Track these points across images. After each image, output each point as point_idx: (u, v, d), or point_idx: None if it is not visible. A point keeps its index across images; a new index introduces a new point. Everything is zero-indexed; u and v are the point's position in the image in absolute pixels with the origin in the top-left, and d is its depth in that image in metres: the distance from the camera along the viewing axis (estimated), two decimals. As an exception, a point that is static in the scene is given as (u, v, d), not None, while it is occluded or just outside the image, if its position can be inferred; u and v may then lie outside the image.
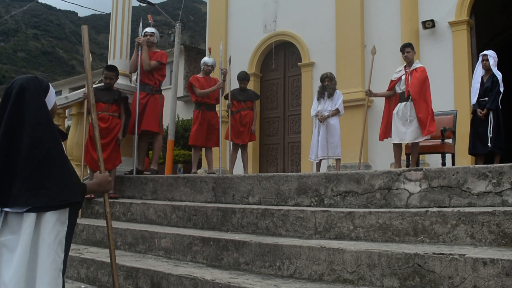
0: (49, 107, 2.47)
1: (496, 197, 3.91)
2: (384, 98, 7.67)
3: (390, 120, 7.31)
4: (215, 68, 8.58)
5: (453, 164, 7.78)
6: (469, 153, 7.91)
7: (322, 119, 7.94)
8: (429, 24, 10.19)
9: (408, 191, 4.35)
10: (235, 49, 13.18)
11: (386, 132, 7.39)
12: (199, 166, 11.84)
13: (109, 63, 8.22)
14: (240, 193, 5.62)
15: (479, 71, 7.77)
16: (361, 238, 4.04)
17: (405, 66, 7.29)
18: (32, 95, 2.37)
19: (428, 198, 4.22)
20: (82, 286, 4.77)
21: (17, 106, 2.32)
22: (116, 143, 6.97)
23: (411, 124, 6.94)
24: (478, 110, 7.56)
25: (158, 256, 4.94)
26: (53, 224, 2.34)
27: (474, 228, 3.52)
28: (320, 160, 8.09)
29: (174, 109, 15.72)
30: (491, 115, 7.41)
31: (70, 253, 2.62)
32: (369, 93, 7.76)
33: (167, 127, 15.71)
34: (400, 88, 7.22)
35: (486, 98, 7.48)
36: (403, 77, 7.17)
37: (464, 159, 8.84)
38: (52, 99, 2.53)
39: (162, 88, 8.00)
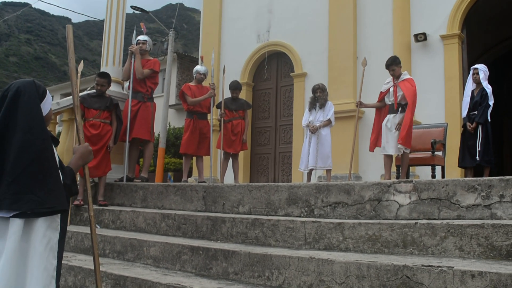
0: (45, 112, 2.45)
1: (485, 210, 3.93)
2: (375, 109, 7.72)
3: (380, 131, 7.36)
4: (207, 77, 8.59)
5: (443, 176, 7.81)
6: (458, 166, 7.95)
7: (314, 130, 7.95)
8: (421, 37, 10.28)
9: (397, 202, 4.36)
10: (228, 58, 13.21)
11: (376, 143, 7.44)
12: (189, 174, 11.82)
13: (102, 69, 8.21)
14: (230, 203, 5.61)
15: (469, 85, 7.84)
16: (350, 249, 4.04)
17: (393, 78, 7.34)
18: (27, 99, 2.35)
19: (417, 210, 4.24)
20: (69, 294, 4.73)
21: (11, 109, 2.30)
22: (106, 150, 6.95)
23: (395, 136, 7.00)
24: (468, 123, 7.62)
25: (146, 264, 4.91)
26: (45, 230, 2.32)
27: (463, 240, 3.54)
28: (311, 170, 8.09)
29: (165, 117, 15.69)
30: (480, 129, 7.47)
31: (58, 261, 2.59)
32: (359, 104, 7.81)
33: (159, 134, 15.67)
34: (389, 100, 7.28)
35: (476, 112, 7.54)
36: (391, 89, 7.23)
37: (454, 172, 8.88)
38: (48, 105, 2.51)
39: (154, 95, 8.00)
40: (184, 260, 4.59)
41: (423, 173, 9.39)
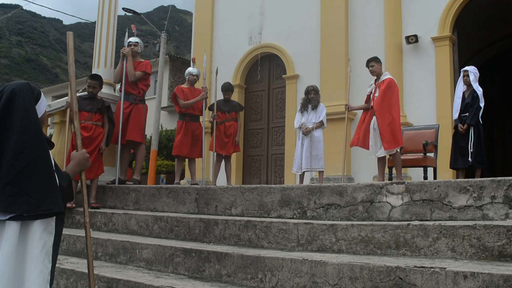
0: (39, 114, 2.43)
1: (476, 211, 3.95)
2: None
3: (363, 128, 7.27)
4: (200, 79, 8.59)
5: (435, 178, 7.85)
6: (450, 167, 7.99)
7: (306, 132, 7.96)
8: (412, 39, 10.33)
9: (390, 204, 4.37)
10: (220, 60, 13.21)
11: (357, 140, 7.35)
12: (182, 176, 11.80)
13: (94, 72, 8.19)
14: (223, 205, 5.61)
15: (460, 87, 7.89)
16: (343, 250, 4.05)
17: (375, 80, 7.32)
18: (22, 100, 2.33)
19: (409, 212, 4.25)
20: (61, 297, 4.70)
21: (6, 111, 2.28)
22: (98, 152, 6.93)
23: (379, 137, 6.96)
24: (459, 125, 7.66)
25: (139, 267, 4.89)
26: (40, 234, 2.30)
27: (455, 241, 3.55)
28: (304, 172, 8.10)
29: (158, 119, 15.68)
30: (471, 130, 7.51)
31: (50, 264, 2.58)
32: (348, 108, 7.83)
33: (151, 136, 15.64)
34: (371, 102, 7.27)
35: (467, 114, 7.58)
36: (373, 91, 7.22)
37: (446, 173, 8.93)
38: (42, 107, 2.49)
39: (146, 98, 7.98)
40: (176, 262, 4.57)
41: (415, 174, 9.43)
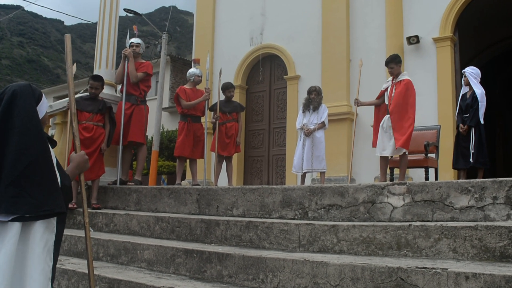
0: (40, 115, 2.43)
1: (478, 212, 3.95)
2: (373, 108, 7.65)
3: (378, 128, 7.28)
4: (202, 80, 8.59)
5: (436, 178, 7.84)
6: (453, 168, 7.98)
7: (308, 133, 7.95)
8: (414, 40, 10.33)
9: (391, 205, 4.37)
10: (222, 61, 13.21)
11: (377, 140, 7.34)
12: (183, 177, 11.80)
13: (95, 72, 8.19)
14: (224, 205, 5.60)
15: (464, 87, 7.89)
16: (344, 251, 4.04)
17: (393, 78, 7.30)
18: (23, 101, 2.34)
19: (411, 212, 4.25)
20: (63, 298, 4.70)
21: (8, 112, 2.29)
22: (100, 153, 6.93)
23: (391, 137, 6.95)
24: (460, 125, 7.65)
25: (140, 268, 4.89)
26: (42, 233, 2.30)
27: (457, 242, 3.54)
28: (305, 173, 8.10)
29: (159, 120, 15.67)
30: (472, 131, 7.49)
31: (51, 264, 2.58)
32: (357, 102, 7.79)
33: (152, 137, 15.64)
34: (386, 99, 7.24)
35: (468, 114, 7.58)
36: (389, 89, 7.20)
37: (447, 174, 8.92)
38: (43, 108, 2.50)
39: (147, 98, 7.99)
40: (178, 263, 4.57)
41: (416, 175, 9.42)
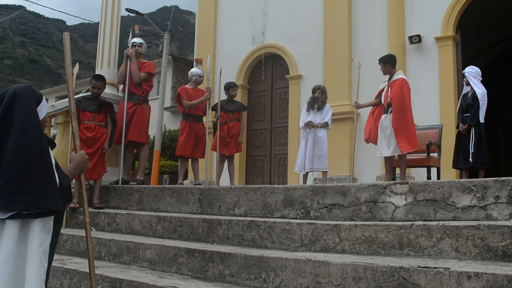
0: (40, 117, 2.44)
1: (480, 211, 3.94)
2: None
3: (373, 124, 7.27)
4: (204, 79, 8.60)
5: (438, 178, 7.83)
6: (453, 167, 7.97)
7: (311, 125, 7.93)
8: (416, 39, 10.31)
9: (393, 204, 4.37)
10: (223, 60, 13.22)
11: (368, 133, 7.33)
12: (185, 177, 11.80)
13: (97, 72, 8.20)
14: (226, 205, 5.61)
15: (465, 87, 7.89)
16: (346, 251, 4.04)
17: (388, 78, 7.30)
18: (24, 102, 2.35)
19: (413, 212, 4.24)
20: (65, 297, 4.71)
21: (8, 111, 2.31)
22: (102, 153, 6.93)
23: (390, 137, 6.93)
24: (460, 125, 7.65)
25: (142, 267, 4.89)
26: (38, 232, 2.30)
27: (459, 241, 3.54)
28: (307, 172, 8.10)
29: (161, 120, 15.69)
30: (472, 131, 7.48)
31: (53, 264, 2.58)
32: (357, 105, 7.81)
33: (154, 137, 15.65)
34: (383, 99, 7.24)
35: (469, 114, 7.57)
36: (385, 89, 7.20)
37: (449, 173, 8.90)
38: (43, 110, 2.51)
39: (149, 98, 7.99)
40: (180, 262, 4.58)
41: (418, 174, 9.41)
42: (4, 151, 2.25)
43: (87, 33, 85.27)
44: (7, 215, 2.21)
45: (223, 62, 12.84)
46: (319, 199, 4.84)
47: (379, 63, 7.28)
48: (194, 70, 8.42)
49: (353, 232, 4.04)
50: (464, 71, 7.85)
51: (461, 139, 7.67)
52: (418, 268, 3.17)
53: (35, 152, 2.29)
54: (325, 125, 8.04)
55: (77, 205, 6.78)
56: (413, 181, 4.69)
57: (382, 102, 7.22)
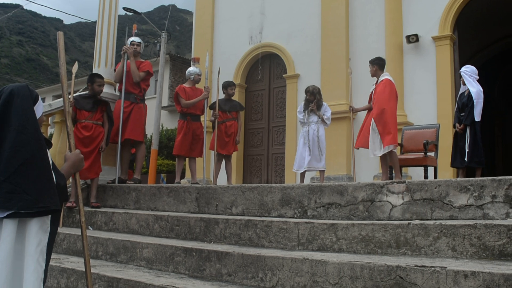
0: (37, 116, 2.44)
1: (477, 210, 3.95)
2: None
3: (363, 129, 7.31)
4: (202, 78, 8.59)
5: (435, 177, 7.84)
6: (450, 166, 7.99)
7: (312, 110, 7.90)
8: (413, 39, 10.33)
9: (390, 203, 4.37)
10: (221, 59, 13.21)
11: (359, 141, 7.38)
12: (182, 176, 11.80)
13: (94, 71, 8.18)
14: (223, 204, 5.60)
15: (462, 86, 7.91)
16: (343, 250, 4.05)
17: (376, 80, 7.37)
18: (21, 101, 2.35)
19: (410, 211, 4.25)
20: (62, 296, 4.70)
21: (5, 110, 2.30)
22: (98, 152, 6.92)
23: (377, 137, 6.97)
24: (456, 124, 7.67)
25: (139, 266, 4.89)
26: (36, 232, 2.30)
27: (456, 241, 3.55)
28: (304, 171, 8.09)
29: (158, 119, 15.67)
30: (468, 130, 7.50)
31: (50, 263, 2.58)
32: (352, 110, 7.88)
33: (151, 136, 15.64)
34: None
35: (464, 113, 7.59)
36: (372, 91, 7.31)
37: (446, 172, 8.92)
38: (40, 109, 2.51)
39: (146, 97, 7.98)
40: (177, 261, 4.57)
41: (415, 173, 9.43)
42: (2, 150, 2.24)
43: (84, 32, 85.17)
44: (5, 214, 2.21)
45: (220, 61, 12.83)
46: (316, 198, 4.84)
47: (369, 64, 7.35)
48: (191, 69, 8.41)
49: (350, 231, 4.05)
50: (460, 71, 7.88)
51: (458, 139, 7.70)
52: (415, 267, 3.17)
53: (33, 151, 2.29)
54: (324, 123, 8.00)
55: (74, 204, 6.76)
56: (410, 180, 4.69)
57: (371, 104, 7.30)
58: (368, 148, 7.21)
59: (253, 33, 13.13)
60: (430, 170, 7.82)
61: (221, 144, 8.23)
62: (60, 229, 5.80)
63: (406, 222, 3.86)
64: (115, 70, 8.02)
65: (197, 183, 7.62)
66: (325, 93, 9.88)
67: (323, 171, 8.13)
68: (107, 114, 7.10)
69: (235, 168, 11.84)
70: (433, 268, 3.10)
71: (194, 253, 4.44)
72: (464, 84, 7.74)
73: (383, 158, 7.25)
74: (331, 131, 9.51)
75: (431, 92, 10.05)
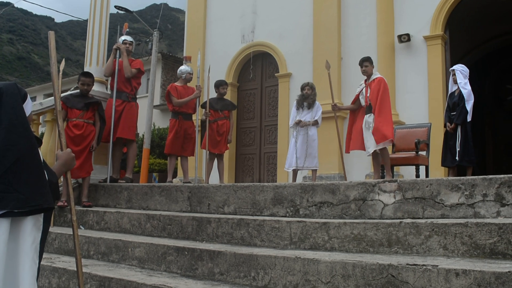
0: (26, 114, 2.43)
1: (468, 209, 3.97)
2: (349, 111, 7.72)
3: (353, 132, 7.33)
4: (193, 77, 8.58)
5: (427, 176, 7.87)
6: (441, 165, 8.03)
7: (303, 125, 7.94)
8: (405, 38, 10.37)
9: (382, 202, 4.39)
10: (213, 58, 13.19)
11: (350, 144, 7.39)
12: (174, 175, 11.78)
13: (85, 69, 8.14)
14: (215, 203, 5.60)
15: (451, 86, 7.95)
16: (336, 248, 4.05)
17: (365, 80, 7.34)
18: (10, 99, 2.32)
19: (402, 210, 4.27)
20: (53, 296, 4.67)
21: None
22: (90, 151, 6.89)
23: (370, 135, 6.98)
24: (448, 124, 7.70)
25: (131, 265, 4.87)
26: (30, 230, 2.29)
27: (447, 239, 3.56)
28: (297, 170, 8.10)
29: (150, 118, 15.61)
30: (459, 129, 7.54)
31: (41, 262, 2.57)
32: (335, 107, 7.81)
33: (143, 135, 15.59)
34: (363, 101, 7.26)
35: (455, 112, 7.63)
36: (364, 90, 7.24)
37: (438, 171, 8.96)
38: (28, 108, 2.48)
39: (138, 96, 7.96)
40: (169, 260, 4.57)
41: (407, 172, 9.47)
42: None
43: (75, 31, 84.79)
44: None
45: (212, 60, 12.81)
46: (308, 197, 4.85)
47: (365, 63, 7.24)
48: (183, 67, 8.40)
49: (342, 230, 4.06)
50: (454, 68, 7.87)
51: (448, 138, 7.74)
52: (407, 266, 3.18)
53: (24, 149, 2.27)
54: (315, 123, 8.05)
55: (66, 204, 6.73)
56: (402, 179, 4.71)
57: (362, 103, 7.24)
58: (360, 149, 7.22)
59: (245, 32, 13.13)
60: (422, 169, 7.85)
61: (212, 143, 8.22)
62: (51, 229, 5.76)
63: (398, 221, 3.87)
64: None
65: (189, 182, 7.61)
66: (317, 92, 9.88)
67: (315, 170, 8.15)
68: (98, 113, 7.07)
69: (227, 167, 11.83)
70: (424, 267, 3.11)
71: (186, 252, 4.44)
72: (456, 82, 7.77)
73: (375, 157, 7.26)
74: (323, 130, 9.53)
75: (423, 92, 10.09)
